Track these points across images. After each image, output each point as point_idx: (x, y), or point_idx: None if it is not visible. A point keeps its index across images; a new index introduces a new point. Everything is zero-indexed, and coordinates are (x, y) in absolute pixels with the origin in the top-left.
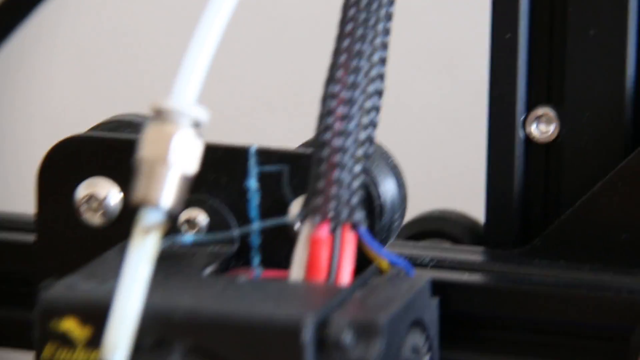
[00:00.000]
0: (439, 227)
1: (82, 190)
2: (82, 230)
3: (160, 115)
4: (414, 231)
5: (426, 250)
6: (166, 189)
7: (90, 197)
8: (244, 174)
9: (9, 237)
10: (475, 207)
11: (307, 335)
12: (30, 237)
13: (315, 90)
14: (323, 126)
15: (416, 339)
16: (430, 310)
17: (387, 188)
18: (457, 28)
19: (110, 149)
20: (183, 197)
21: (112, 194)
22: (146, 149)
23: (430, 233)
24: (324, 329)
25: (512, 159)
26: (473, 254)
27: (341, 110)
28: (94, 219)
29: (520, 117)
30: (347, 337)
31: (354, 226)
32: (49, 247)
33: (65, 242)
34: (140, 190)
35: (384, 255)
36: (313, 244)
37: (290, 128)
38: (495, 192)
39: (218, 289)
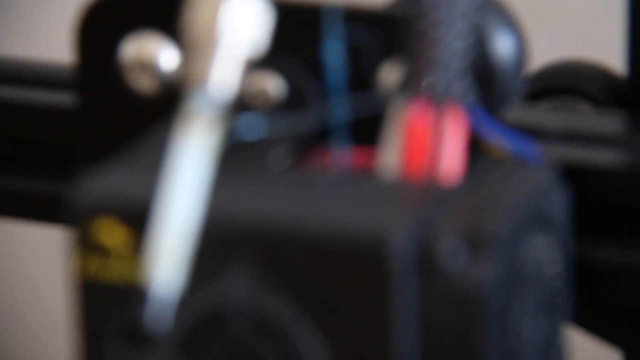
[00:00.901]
0: (572, 82)
1: (129, 49)
2: (129, 97)
3: None
4: (540, 87)
5: (555, 117)
6: (225, 72)
7: (139, 58)
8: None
9: (43, 97)
10: (612, 57)
11: (397, 249)
12: (66, 97)
13: None
14: None
15: (544, 243)
16: (561, 205)
17: (503, 46)
18: None
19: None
20: (243, 74)
21: (166, 54)
22: (198, 18)
23: (560, 90)
24: (422, 240)
25: None
26: (613, 121)
27: None
28: (144, 84)
29: None
30: (454, 251)
31: (463, 102)
32: (92, 117)
33: (111, 111)
34: (189, 70)
35: (503, 139)
36: (411, 126)
37: None
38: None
39: (292, 186)
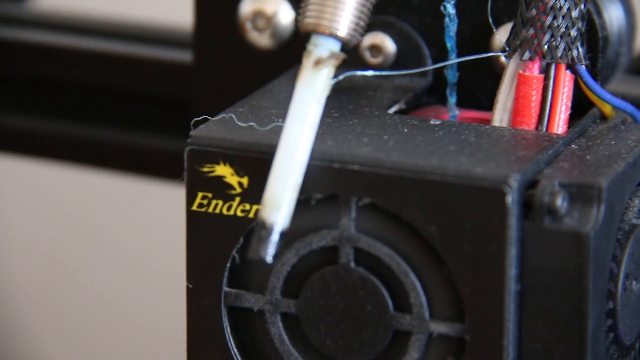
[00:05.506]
0: None
1: (248, 5)
2: (247, 52)
3: None
4: None
5: None
6: (343, 14)
7: (257, 14)
8: None
9: (162, 54)
10: None
11: (512, 199)
12: (187, 55)
13: None
14: None
15: None
16: None
17: (613, 15)
18: None
19: None
20: (364, 22)
21: (282, 11)
22: None
23: None
24: (531, 190)
25: None
26: None
27: None
28: (261, 39)
29: None
30: (560, 202)
31: (572, 64)
32: (208, 69)
33: (228, 65)
34: (311, 15)
35: (608, 99)
36: (522, 84)
37: None
38: None
39: (404, 133)
